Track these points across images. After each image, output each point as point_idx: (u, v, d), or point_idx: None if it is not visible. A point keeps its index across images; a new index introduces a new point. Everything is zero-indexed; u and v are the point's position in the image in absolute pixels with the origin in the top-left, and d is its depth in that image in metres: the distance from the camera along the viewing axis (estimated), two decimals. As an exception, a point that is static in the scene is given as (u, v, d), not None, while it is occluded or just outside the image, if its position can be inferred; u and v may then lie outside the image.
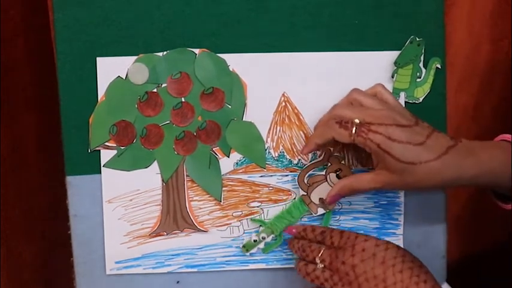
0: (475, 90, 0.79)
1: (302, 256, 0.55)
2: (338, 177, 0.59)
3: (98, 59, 0.57)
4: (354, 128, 0.52)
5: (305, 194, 0.60)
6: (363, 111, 0.53)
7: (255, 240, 0.60)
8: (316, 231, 0.55)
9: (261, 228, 0.61)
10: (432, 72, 0.60)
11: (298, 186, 0.60)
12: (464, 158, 0.52)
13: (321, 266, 0.52)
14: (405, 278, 0.48)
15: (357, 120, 0.52)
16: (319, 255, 0.52)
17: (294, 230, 0.58)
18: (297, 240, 0.56)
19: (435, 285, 0.48)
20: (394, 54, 0.60)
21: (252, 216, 0.61)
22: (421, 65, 0.60)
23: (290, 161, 0.61)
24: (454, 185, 0.53)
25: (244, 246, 0.60)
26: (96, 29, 0.57)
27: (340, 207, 0.62)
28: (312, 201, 0.60)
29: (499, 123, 0.75)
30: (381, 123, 0.52)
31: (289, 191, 0.61)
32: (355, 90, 0.57)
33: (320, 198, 0.60)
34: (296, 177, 0.60)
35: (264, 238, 0.60)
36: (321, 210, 0.60)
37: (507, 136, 0.55)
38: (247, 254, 0.61)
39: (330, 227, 0.56)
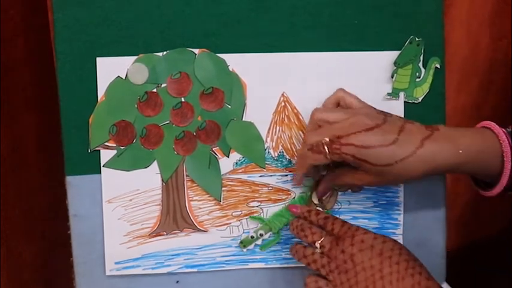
0: (474, 90, 0.79)
1: (299, 236, 0.55)
2: None
3: (97, 59, 0.57)
4: (326, 148, 0.52)
5: (303, 193, 0.60)
6: (331, 129, 0.53)
7: (252, 237, 0.61)
8: (321, 215, 0.55)
9: (259, 225, 0.61)
10: (431, 72, 0.61)
11: (296, 186, 0.60)
12: (441, 147, 0.51)
13: (319, 251, 0.52)
14: (401, 269, 0.49)
15: (326, 139, 0.53)
16: (320, 240, 0.53)
17: (297, 210, 0.57)
18: (297, 219, 0.56)
19: (429, 277, 0.49)
20: (393, 54, 0.60)
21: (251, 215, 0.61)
22: (420, 64, 0.60)
23: (289, 161, 0.61)
24: (435, 174, 0.53)
25: (241, 242, 0.61)
26: (96, 29, 0.57)
27: (339, 207, 0.62)
28: (312, 201, 0.60)
29: (498, 123, 0.75)
30: (350, 133, 0.52)
31: (288, 190, 0.61)
32: (316, 110, 0.57)
33: (319, 199, 0.60)
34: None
35: (261, 235, 0.61)
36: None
37: (487, 122, 0.55)
38: (244, 250, 0.61)
39: (333, 215, 0.56)
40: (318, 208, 0.60)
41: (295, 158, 0.61)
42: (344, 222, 0.54)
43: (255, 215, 0.61)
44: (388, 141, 0.51)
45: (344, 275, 0.50)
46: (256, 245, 0.61)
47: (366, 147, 0.51)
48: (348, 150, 0.52)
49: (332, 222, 0.54)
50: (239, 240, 0.61)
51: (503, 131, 0.53)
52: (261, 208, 0.61)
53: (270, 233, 0.61)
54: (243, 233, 0.61)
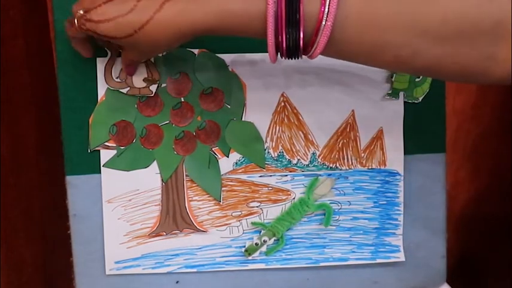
0: (474, 90, 0.79)
1: None
2: None
3: (98, 59, 0.57)
4: (76, 22, 0.49)
5: (302, 194, 0.60)
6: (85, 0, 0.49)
7: (256, 244, 0.60)
8: None
9: (262, 231, 0.61)
10: (432, 72, 0.60)
11: (296, 186, 0.60)
12: (184, 9, 0.46)
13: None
14: None
15: (80, 12, 0.48)
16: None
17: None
18: None
19: None
20: (393, 54, 0.60)
21: (252, 218, 0.60)
22: (420, 65, 0.60)
23: (289, 161, 0.61)
24: (188, 38, 0.48)
25: (246, 251, 0.60)
26: (95, 29, 0.57)
27: (339, 207, 0.62)
28: (139, 88, 0.57)
29: (498, 123, 0.75)
30: (93, 6, 0.47)
31: (288, 191, 0.61)
32: None
33: (144, 78, 0.57)
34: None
35: (265, 241, 0.60)
36: (154, 88, 0.58)
37: None
38: (250, 258, 0.60)
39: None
40: (151, 87, 0.57)
41: (297, 156, 0.61)
42: None
43: (257, 220, 0.61)
44: (125, 10, 0.46)
45: None
46: (261, 252, 0.61)
47: (105, 21, 0.47)
48: (91, 26, 0.48)
49: None
50: (244, 249, 0.61)
51: None
52: (260, 208, 0.61)
53: (274, 238, 0.61)
54: (243, 233, 0.61)
